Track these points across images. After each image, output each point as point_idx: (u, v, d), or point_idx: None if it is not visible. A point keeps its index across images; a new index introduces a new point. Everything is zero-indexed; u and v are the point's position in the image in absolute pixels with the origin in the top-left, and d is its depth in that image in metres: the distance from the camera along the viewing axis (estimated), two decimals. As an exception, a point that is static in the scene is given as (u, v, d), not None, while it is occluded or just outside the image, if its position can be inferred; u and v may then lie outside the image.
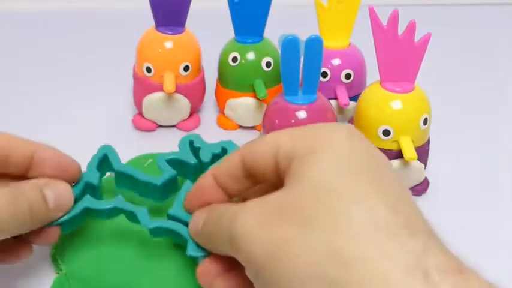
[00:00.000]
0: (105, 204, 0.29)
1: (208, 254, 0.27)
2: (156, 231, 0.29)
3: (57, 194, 0.28)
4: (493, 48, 0.65)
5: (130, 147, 0.41)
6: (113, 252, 0.31)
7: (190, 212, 0.28)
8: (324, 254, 0.19)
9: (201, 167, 0.33)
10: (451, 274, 0.18)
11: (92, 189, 0.30)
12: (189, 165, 0.33)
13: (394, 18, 0.35)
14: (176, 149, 0.39)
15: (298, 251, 0.20)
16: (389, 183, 0.21)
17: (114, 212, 0.30)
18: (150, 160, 0.38)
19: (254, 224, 0.22)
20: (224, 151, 0.33)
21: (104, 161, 0.32)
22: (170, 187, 0.31)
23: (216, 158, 0.33)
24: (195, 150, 0.33)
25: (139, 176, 0.31)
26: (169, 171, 0.31)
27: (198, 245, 0.28)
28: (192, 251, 0.27)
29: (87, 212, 0.29)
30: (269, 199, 0.22)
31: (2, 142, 0.28)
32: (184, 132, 0.46)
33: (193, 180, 0.30)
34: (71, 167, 0.30)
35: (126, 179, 0.31)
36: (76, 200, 0.29)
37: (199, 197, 0.28)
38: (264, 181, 0.25)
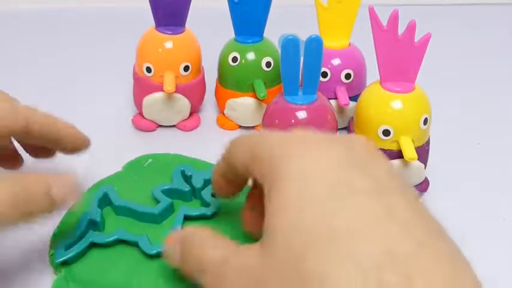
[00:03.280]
0: (109, 237, 0.31)
1: None
2: (158, 256, 0.31)
3: (64, 193, 0.27)
4: (493, 48, 0.65)
5: (130, 147, 0.41)
6: (112, 254, 0.31)
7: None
8: None
9: (194, 192, 0.35)
10: None
11: (95, 225, 0.32)
12: (183, 192, 0.35)
13: (394, 18, 0.35)
14: (176, 149, 0.39)
15: None
16: (356, 226, 0.19)
17: (117, 242, 0.32)
18: (150, 160, 0.38)
19: None
20: None
21: (104, 198, 0.34)
22: (167, 212, 0.34)
23: (207, 182, 0.35)
24: (187, 178, 0.36)
25: (138, 208, 0.33)
26: (165, 201, 0.34)
27: None
28: None
29: (93, 245, 0.32)
30: (248, 267, 0.21)
31: (34, 126, 0.30)
32: (184, 132, 0.46)
33: (188, 202, 0.35)
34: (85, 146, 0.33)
35: (125, 211, 0.34)
36: (81, 236, 0.32)
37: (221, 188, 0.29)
38: (244, 182, 0.26)
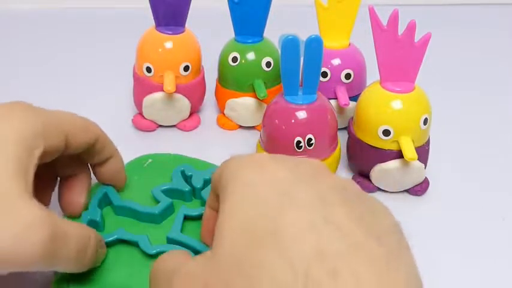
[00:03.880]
0: (108, 236, 0.31)
1: None
2: (158, 256, 0.30)
3: (103, 250, 0.30)
4: (493, 48, 0.65)
5: (130, 147, 0.40)
6: (112, 253, 0.31)
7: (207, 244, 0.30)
8: None
9: (194, 192, 0.35)
10: None
11: (95, 224, 0.32)
12: (183, 192, 0.35)
13: (394, 18, 0.35)
14: (176, 149, 0.39)
15: None
16: (288, 231, 0.20)
17: (117, 242, 0.32)
18: (150, 160, 0.38)
19: None
20: None
21: (104, 198, 0.34)
22: (167, 212, 0.34)
23: (207, 183, 0.35)
24: (187, 178, 0.35)
25: (138, 208, 0.33)
26: (165, 201, 0.34)
27: None
28: None
29: None
30: (197, 272, 0.22)
31: (100, 139, 0.31)
32: (184, 132, 0.46)
33: (188, 202, 0.34)
34: (120, 183, 0.35)
35: (125, 211, 0.34)
36: None
37: (209, 229, 0.29)
38: None
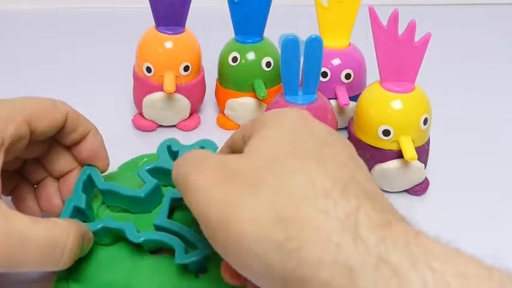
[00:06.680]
0: (95, 225, 0.30)
1: (198, 259, 0.28)
2: (146, 244, 0.30)
3: (89, 242, 0.29)
4: (493, 48, 0.65)
5: (130, 147, 0.41)
6: (112, 253, 0.31)
7: None
8: (270, 217, 0.21)
9: None
10: (379, 228, 0.20)
11: (80, 212, 0.31)
12: (170, 172, 0.33)
13: (394, 18, 0.35)
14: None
15: (246, 216, 0.21)
16: (329, 157, 0.23)
17: (103, 231, 0.30)
18: (145, 159, 0.38)
19: (209, 180, 0.23)
20: None
21: (88, 181, 0.32)
22: (154, 197, 0.32)
23: None
24: (174, 154, 0.34)
25: (123, 192, 0.32)
26: (151, 182, 0.32)
27: (186, 252, 0.29)
28: (180, 259, 0.28)
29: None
30: (226, 161, 0.24)
31: (71, 116, 0.31)
32: (184, 132, 0.46)
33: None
34: (103, 161, 0.33)
35: (112, 196, 0.32)
36: None
37: None
38: None
